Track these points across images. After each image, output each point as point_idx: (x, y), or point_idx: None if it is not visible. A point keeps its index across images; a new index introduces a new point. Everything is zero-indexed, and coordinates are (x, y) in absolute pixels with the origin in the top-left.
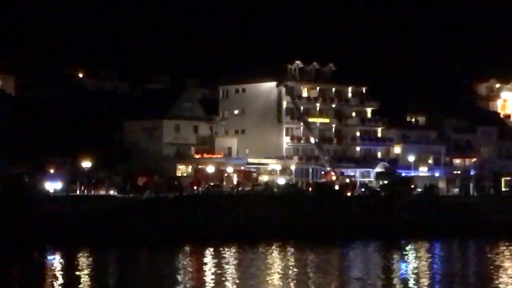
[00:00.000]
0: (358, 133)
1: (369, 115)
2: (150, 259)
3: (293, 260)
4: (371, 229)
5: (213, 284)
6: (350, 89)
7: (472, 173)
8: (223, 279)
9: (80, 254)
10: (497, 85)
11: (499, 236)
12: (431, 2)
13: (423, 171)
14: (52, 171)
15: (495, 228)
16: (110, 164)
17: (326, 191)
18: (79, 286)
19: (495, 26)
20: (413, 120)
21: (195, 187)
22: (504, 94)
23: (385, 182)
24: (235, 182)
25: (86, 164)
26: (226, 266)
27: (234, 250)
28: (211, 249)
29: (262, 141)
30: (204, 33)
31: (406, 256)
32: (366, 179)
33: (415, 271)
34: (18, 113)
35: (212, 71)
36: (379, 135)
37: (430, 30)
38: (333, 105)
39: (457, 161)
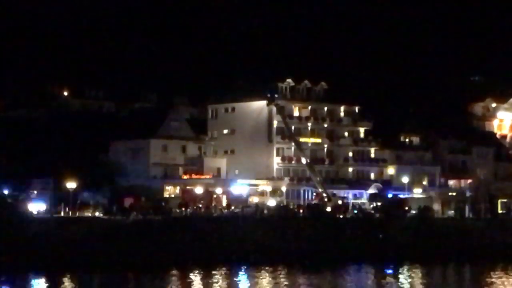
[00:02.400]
0: (350, 154)
1: (362, 135)
2: (136, 284)
3: (284, 285)
4: (364, 252)
5: None
6: (342, 108)
7: (467, 195)
8: None
9: (64, 279)
10: (493, 105)
11: (495, 260)
12: (426, 21)
13: (417, 192)
14: (36, 192)
15: (491, 252)
16: (96, 185)
17: (318, 213)
18: None
19: (491, 45)
20: (407, 140)
21: (183, 209)
22: (500, 114)
23: (379, 204)
24: (224, 204)
25: (71, 185)
26: None
27: (223, 274)
28: (199, 273)
29: (252, 161)
30: (192, 51)
31: (399, 281)
32: (359, 201)
33: None
34: (1, 133)
35: (200, 90)
36: (372, 155)
37: (425, 49)
38: (325, 125)
39: (452, 182)
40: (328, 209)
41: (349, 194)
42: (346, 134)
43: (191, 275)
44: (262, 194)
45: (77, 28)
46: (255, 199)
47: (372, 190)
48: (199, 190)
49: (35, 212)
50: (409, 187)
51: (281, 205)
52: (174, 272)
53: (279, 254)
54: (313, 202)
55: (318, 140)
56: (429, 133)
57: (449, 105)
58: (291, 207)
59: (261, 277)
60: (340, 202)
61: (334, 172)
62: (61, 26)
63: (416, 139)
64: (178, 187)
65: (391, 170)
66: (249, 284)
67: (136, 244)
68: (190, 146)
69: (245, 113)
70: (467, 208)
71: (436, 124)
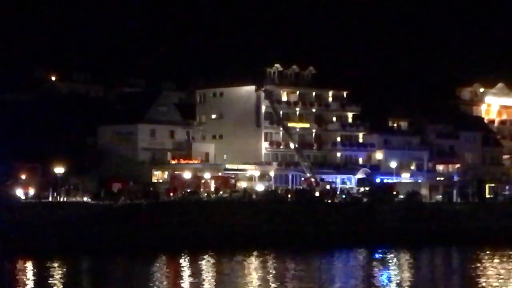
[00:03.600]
0: (339, 139)
1: (350, 120)
2: (124, 268)
3: (272, 269)
4: (352, 237)
5: None
6: (330, 93)
7: (455, 179)
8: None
9: (52, 263)
10: (481, 90)
11: (483, 244)
12: (414, 6)
13: (405, 177)
14: (23, 177)
15: (478, 236)
16: (84, 170)
17: (306, 198)
18: None
19: (479, 30)
20: (395, 125)
21: (171, 194)
22: (488, 99)
23: (367, 188)
24: (212, 189)
25: (59, 169)
26: (203, 275)
27: (211, 259)
28: (188, 258)
29: (240, 146)
30: (181, 35)
31: (388, 265)
32: (347, 186)
33: (397, 279)
34: None
35: (189, 75)
36: (361, 140)
37: (413, 33)
38: (313, 110)
39: (440, 167)
40: (316, 193)
41: (337, 179)
42: (334, 119)
43: (180, 260)
44: (251, 179)
45: (66, 12)
46: (243, 184)
47: (360, 175)
48: (187, 175)
49: (22, 197)
50: (397, 172)
51: (269, 189)
52: (163, 256)
53: (267, 239)
54: (301, 187)
55: (306, 125)
56: (417, 118)
57: (437, 89)
58: (279, 192)
59: (249, 262)
60: (328, 187)
61: (322, 157)
62: (50, 9)
63: (404, 124)
64: (166, 172)
65: (379, 155)
66: (237, 269)
67: (124, 229)
68: (178, 131)
69: (233, 98)
70: (455, 192)
71: (424, 109)
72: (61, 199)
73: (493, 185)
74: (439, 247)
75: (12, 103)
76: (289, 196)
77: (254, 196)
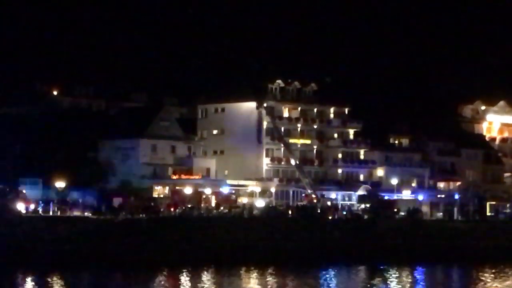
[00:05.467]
0: (340, 155)
1: (351, 136)
2: (124, 283)
3: (272, 284)
4: (353, 253)
5: None
6: (332, 109)
7: (456, 197)
8: None
9: (52, 278)
10: (483, 107)
11: (483, 262)
12: (416, 23)
13: (406, 194)
14: (24, 191)
15: (479, 254)
16: (85, 184)
17: (307, 214)
18: None
19: (481, 47)
20: (396, 142)
21: (172, 209)
22: (489, 117)
23: (368, 205)
24: (213, 204)
25: (60, 184)
26: None
27: (211, 274)
28: (188, 273)
29: (241, 162)
30: (183, 51)
31: (388, 282)
32: (348, 202)
33: None
34: None
35: (190, 90)
36: (362, 157)
37: (415, 50)
38: (315, 126)
39: (441, 184)
40: (318, 210)
41: (338, 195)
42: (335, 135)
43: (180, 275)
44: (251, 194)
45: (68, 26)
46: (244, 200)
47: (361, 192)
48: (188, 190)
49: (23, 211)
50: (398, 189)
51: (270, 205)
52: (163, 272)
53: (267, 255)
54: (302, 203)
55: (308, 141)
56: (418, 135)
57: (438, 107)
58: (280, 208)
59: (249, 277)
60: (329, 203)
61: (323, 173)
62: (52, 23)
63: (405, 141)
64: (167, 187)
65: (380, 172)
66: (237, 284)
67: (125, 244)
68: (179, 146)
69: (235, 114)
70: (455, 210)
71: (425, 126)
72: (62, 214)
73: (494, 203)
74: (439, 264)
75: (14, 117)
76: (290, 212)
77: (255, 212)
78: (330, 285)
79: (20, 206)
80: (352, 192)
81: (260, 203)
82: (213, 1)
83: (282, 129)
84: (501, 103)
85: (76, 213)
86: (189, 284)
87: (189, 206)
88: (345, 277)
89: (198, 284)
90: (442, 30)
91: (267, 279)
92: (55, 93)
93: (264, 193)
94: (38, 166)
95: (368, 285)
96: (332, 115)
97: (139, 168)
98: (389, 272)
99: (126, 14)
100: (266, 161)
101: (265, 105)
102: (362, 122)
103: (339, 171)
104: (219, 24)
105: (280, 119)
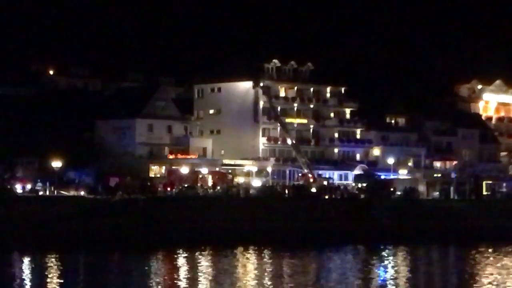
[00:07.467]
0: (336, 134)
1: (348, 116)
2: (121, 263)
3: (268, 265)
4: (349, 233)
5: None
6: (328, 89)
7: (452, 176)
8: (196, 284)
9: (48, 259)
10: (479, 87)
11: (479, 241)
12: (412, 3)
13: (402, 173)
14: (20, 171)
15: (475, 233)
16: (81, 164)
17: (303, 194)
18: None
19: (477, 26)
20: (392, 121)
21: (168, 189)
22: (486, 96)
23: (364, 185)
24: (209, 184)
25: (56, 164)
26: (200, 271)
27: (208, 254)
28: (185, 253)
29: (238, 141)
30: (179, 30)
31: (384, 262)
32: (344, 182)
33: (394, 276)
34: None
35: (187, 70)
36: (358, 136)
37: (411, 30)
38: (311, 106)
39: (437, 164)
40: (313, 189)
41: (335, 175)
42: (332, 115)
43: (176, 255)
44: (248, 174)
45: (64, 6)
46: (241, 179)
47: (357, 171)
48: (184, 170)
49: (19, 191)
50: (395, 168)
51: (267, 185)
52: (160, 252)
53: (264, 234)
54: (298, 183)
55: (304, 121)
56: (414, 115)
57: (434, 86)
58: (277, 187)
59: (246, 257)
60: (325, 183)
61: (320, 153)
62: (48, 3)
63: (401, 120)
64: (163, 167)
65: (376, 151)
66: (234, 264)
67: (122, 224)
68: (176, 126)
69: (231, 93)
70: (452, 189)
71: (422, 105)
72: (58, 194)
73: (490, 182)
74: (436, 244)
75: (10, 97)
76: (287, 191)
77: (251, 192)
78: (327, 264)
79: (17, 186)
80: (349, 172)
81: (256, 182)
82: None
83: (279, 108)
84: (498, 82)
85: (73, 193)
86: (186, 264)
87: (186, 185)
88: (341, 257)
89: (195, 264)
90: (439, 9)
91: (264, 259)
92: (51, 73)
93: (260, 172)
94: (34, 146)
95: (364, 265)
96: (328, 95)
97: (135, 148)
98: (385, 252)
99: None
100: (262, 141)
101: (261, 84)
102: (359, 102)
103: (336, 150)
104: (215, 3)
105: (276, 99)
